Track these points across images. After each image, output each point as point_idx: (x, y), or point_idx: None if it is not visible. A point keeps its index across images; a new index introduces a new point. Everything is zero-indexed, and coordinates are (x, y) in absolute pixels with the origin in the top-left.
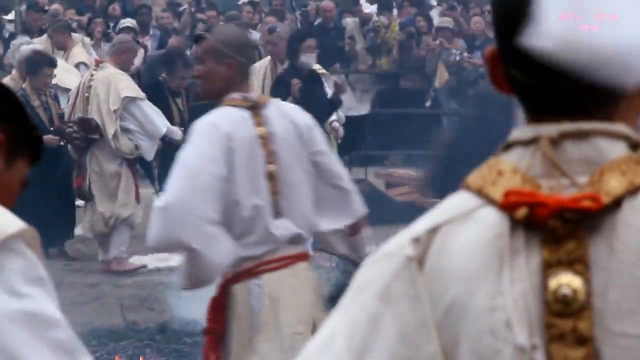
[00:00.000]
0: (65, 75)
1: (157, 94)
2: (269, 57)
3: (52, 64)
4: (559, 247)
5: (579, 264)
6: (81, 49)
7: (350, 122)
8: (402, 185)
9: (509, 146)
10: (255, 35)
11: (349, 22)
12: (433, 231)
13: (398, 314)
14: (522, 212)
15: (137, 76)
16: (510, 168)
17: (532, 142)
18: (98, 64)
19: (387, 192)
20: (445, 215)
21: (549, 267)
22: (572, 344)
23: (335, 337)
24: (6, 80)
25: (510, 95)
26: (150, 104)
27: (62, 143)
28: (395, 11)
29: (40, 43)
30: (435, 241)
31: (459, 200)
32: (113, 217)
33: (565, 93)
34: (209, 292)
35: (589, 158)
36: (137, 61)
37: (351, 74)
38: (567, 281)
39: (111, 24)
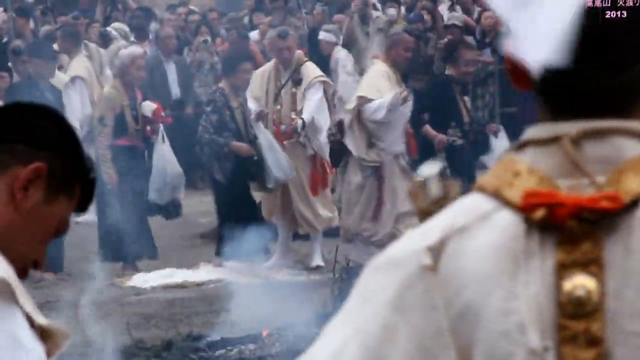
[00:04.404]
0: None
1: (445, 92)
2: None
3: (249, 58)
4: (574, 248)
5: (594, 265)
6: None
7: None
8: None
9: (522, 145)
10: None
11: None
12: (448, 237)
13: (413, 323)
14: (540, 213)
15: None
16: (526, 168)
17: (549, 141)
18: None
19: None
20: (460, 220)
21: (563, 269)
22: (583, 345)
23: (347, 347)
24: (107, 90)
25: (529, 92)
26: (380, 103)
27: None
28: (402, 8)
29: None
30: (449, 245)
31: (473, 203)
32: (350, 230)
33: (586, 90)
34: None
35: (606, 157)
36: None
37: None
38: (581, 283)
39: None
